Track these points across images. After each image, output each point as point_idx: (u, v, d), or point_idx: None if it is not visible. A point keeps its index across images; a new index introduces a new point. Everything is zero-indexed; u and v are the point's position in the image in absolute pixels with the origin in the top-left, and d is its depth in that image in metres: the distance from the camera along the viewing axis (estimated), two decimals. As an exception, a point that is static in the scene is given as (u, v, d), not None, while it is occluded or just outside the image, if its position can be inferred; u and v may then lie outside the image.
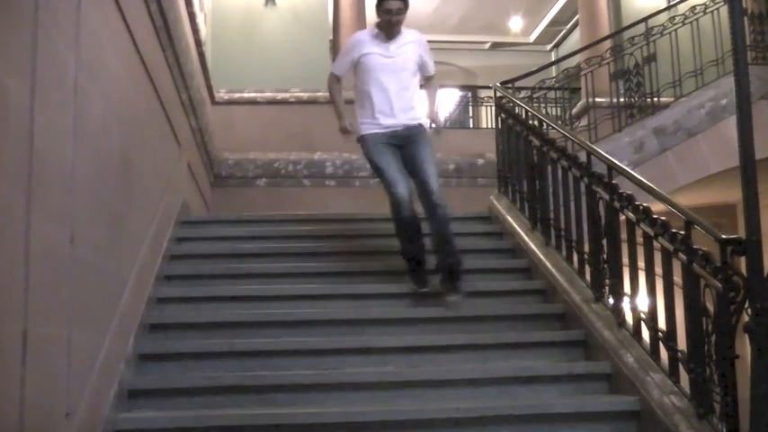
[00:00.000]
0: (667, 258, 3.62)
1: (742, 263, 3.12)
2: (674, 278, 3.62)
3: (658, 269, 3.70)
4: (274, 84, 9.32)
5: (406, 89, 4.94)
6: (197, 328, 4.51)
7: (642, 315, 3.92)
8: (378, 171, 4.91)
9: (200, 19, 7.48)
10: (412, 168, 4.87)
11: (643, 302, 3.97)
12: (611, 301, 4.27)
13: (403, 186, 4.77)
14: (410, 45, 4.98)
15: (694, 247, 3.38)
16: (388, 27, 4.89)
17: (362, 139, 4.96)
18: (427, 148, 4.95)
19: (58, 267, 2.75)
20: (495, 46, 15.72)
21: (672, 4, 8.68)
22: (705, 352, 3.32)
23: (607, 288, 4.34)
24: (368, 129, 4.94)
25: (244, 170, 8.78)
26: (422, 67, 5.07)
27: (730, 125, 5.63)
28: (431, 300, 4.91)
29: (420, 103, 5.12)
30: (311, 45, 9.61)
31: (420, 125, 5.01)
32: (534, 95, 7.30)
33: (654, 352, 3.78)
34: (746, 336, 3.03)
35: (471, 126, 14.15)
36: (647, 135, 7.48)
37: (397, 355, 4.28)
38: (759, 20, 8.20)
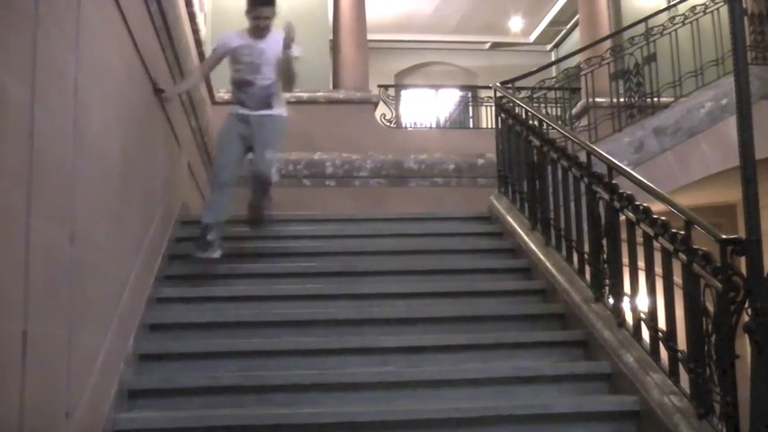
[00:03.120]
0: (667, 258, 3.62)
1: (742, 263, 3.12)
2: (674, 278, 3.62)
3: (658, 269, 3.70)
4: (274, 84, 9.31)
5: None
6: (197, 328, 4.51)
7: (642, 315, 3.92)
8: None
9: (200, 19, 7.48)
10: None
11: (643, 302, 3.97)
12: (611, 301, 4.27)
13: None
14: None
15: (694, 247, 3.38)
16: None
17: None
18: None
19: (58, 267, 2.75)
20: (495, 46, 15.71)
21: (672, 4, 8.68)
22: (705, 352, 3.32)
23: (607, 288, 4.34)
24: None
25: (243, 170, 8.77)
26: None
27: (730, 125, 5.63)
28: (431, 299, 4.93)
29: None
30: (311, 45, 9.59)
31: None
32: (534, 95, 7.30)
33: (654, 352, 3.78)
34: (746, 336, 3.04)
35: (471, 126, 14.13)
36: (647, 135, 7.49)
37: (397, 355, 4.28)
38: (759, 20, 8.20)
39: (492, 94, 7.07)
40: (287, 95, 8.95)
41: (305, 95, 9.19)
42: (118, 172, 3.75)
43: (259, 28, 5.21)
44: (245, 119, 5.28)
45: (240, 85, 5.27)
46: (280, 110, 5.43)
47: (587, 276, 4.58)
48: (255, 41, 5.22)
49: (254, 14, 5.20)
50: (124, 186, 3.90)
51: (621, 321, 4.11)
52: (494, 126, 6.91)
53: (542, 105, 7.54)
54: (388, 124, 10.08)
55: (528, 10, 14.34)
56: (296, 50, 5.18)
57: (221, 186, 5.23)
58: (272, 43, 5.23)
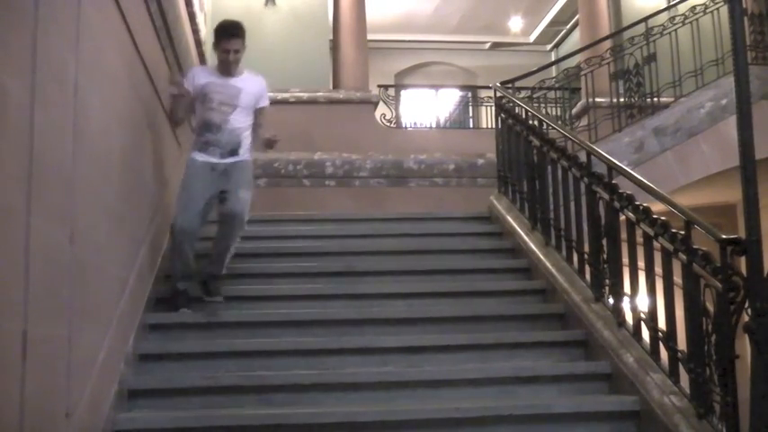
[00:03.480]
0: (667, 258, 3.62)
1: (742, 263, 3.12)
2: (674, 278, 3.62)
3: (658, 269, 3.70)
4: (274, 84, 9.27)
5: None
6: (197, 328, 4.51)
7: (642, 315, 3.92)
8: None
9: (200, 19, 7.48)
10: None
11: (643, 302, 3.97)
12: (611, 301, 4.27)
13: None
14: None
15: (694, 247, 3.38)
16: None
17: None
18: None
19: (58, 267, 2.75)
20: (495, 46, 15.70)
21: (672, 4, 8.67)
22: (705, 352, 3.32)
23: (607, 288, 4.34)
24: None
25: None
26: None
27: (730, 125, 5.63)
28: (431, 299, 4.93)
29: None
30: (311, 45, 9.60)
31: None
32: (534, 95, 7.29)
33: (654, 352, 3.79)
34: (746, 336, 3.03)
35: (471, 126, 14.13)
36: (647, 135, 7.48)
37: (397, 355, 4.28)
38: (759, 20, 8.20)
39: (492, 94, 7.07)
40: (286, 95, 9.03)
41: (305, 95, 9.21)
42: (118, 172, 3.75)
43: (228, 62, 4.77)
44: (212, 168, 4.75)
45: (209, 126, 4.76)
46: (246, 155, 4.88)
47: (587, 276, 4.58)
48: (228, 79, 4.80)
49: (223, 47, 4.74)
50: (124, 186, 3.90)
51: (621, 321, 4.11)
52: (494, 126, 6.91)
53: (542, 105, 7.53)
54: (387, 124, 10.08)
55: (528, 10, 14.34)
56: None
57: (181, 243, 4.69)
58: (251, 85, 4.86)
